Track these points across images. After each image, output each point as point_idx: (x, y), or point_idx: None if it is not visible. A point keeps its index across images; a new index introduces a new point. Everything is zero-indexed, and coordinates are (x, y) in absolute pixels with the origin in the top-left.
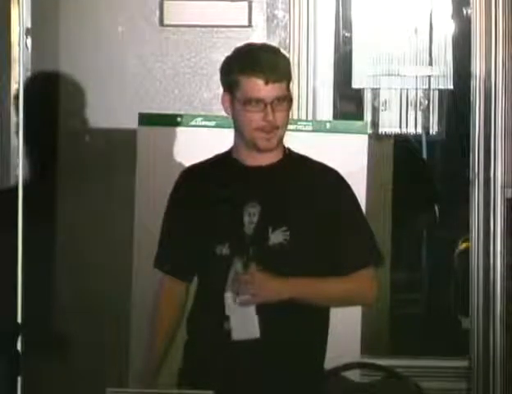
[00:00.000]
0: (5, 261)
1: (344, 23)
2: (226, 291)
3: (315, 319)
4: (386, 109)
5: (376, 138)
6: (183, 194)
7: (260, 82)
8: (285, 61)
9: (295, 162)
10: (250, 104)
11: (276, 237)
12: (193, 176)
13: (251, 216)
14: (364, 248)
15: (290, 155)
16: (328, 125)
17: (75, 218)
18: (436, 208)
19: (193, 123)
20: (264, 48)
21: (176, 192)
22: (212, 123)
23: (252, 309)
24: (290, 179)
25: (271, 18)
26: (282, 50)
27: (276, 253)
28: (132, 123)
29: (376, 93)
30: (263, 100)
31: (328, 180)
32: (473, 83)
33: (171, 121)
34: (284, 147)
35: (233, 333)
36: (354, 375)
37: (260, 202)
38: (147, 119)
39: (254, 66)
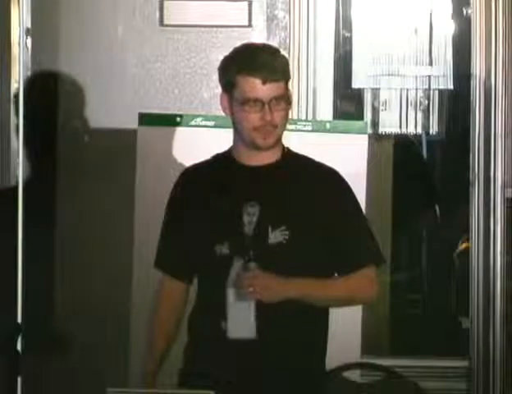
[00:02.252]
0: (5, 261)
1: (344, 23)
2: (228, 289)
3: (315, 319)
4: (386, 109)
5: (376, 138)
6: (183, 195)
7: (257, 82)
8: (284, 61)
9: (294, 162)
10: (248, 104)
11: (276, 237)
12: (192, 176)
13: (250, 215)
14: (364, 247)
15: (289, 155)
16: (328, 125)
17: (75, 218)
18: (436, 208)
19: (193, 123)
20: (262, 48)
21: (176, 192)
22: (212, 123)
23: (251, 309)
24: (290, 178)
25: (271, 18)
26: (281, 50)
27: (276, 252)
28: (132, 123)
29: (376, 93)
30: (261, 100)
31: (327, 179)
32: (473, 83)
33: (171, 121)
34: (283, 146)
35: (229, 332)
36: (354, 375)
37: (259, 201)
38: (147, 119)
39: (252, 65)
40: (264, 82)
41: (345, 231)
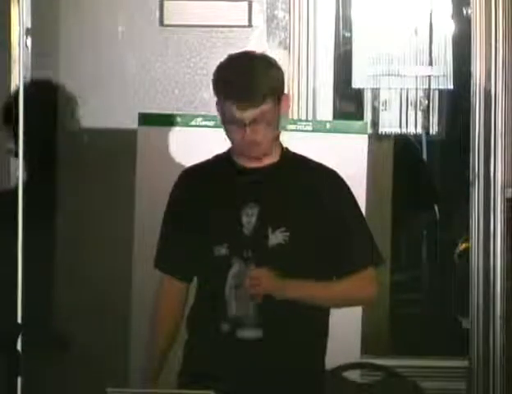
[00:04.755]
0: (5, 261)
1: (344, 23)
2: (228, 288)
3: (315, 319)
4: (386, 109)
5: (376, 138)
6: (182, 195)
7: (234, 107)
8: (270, 80)
9: (293, 163)
10: (230, 123)
11: (276, 238)
12: (192, 176)
13: (249, 217)
14: (364, 248)
15: (288, 155)
16: (328, 125)
17: (74, 218)
18: (436, 208)
19: (193, 123)
20: (246, 68)
21: (176, 193)
22: (212, 123)
23: (251, 308)
24: (289, 179)
25: (271, 18)
26: (277, 61)
27: (276, 253)
28: (132, 123)
29: (376, 93)
30: (241, 120)
31: (326, 180)
32: (473, 83)
33: (171, 121)
34: (282, 147)
35: (229, 330)
36: (354, 375)
37: (259, 203)
38: (147, 119)
39: (228, 91)
40: (241, 108)
41: (344, 232)
